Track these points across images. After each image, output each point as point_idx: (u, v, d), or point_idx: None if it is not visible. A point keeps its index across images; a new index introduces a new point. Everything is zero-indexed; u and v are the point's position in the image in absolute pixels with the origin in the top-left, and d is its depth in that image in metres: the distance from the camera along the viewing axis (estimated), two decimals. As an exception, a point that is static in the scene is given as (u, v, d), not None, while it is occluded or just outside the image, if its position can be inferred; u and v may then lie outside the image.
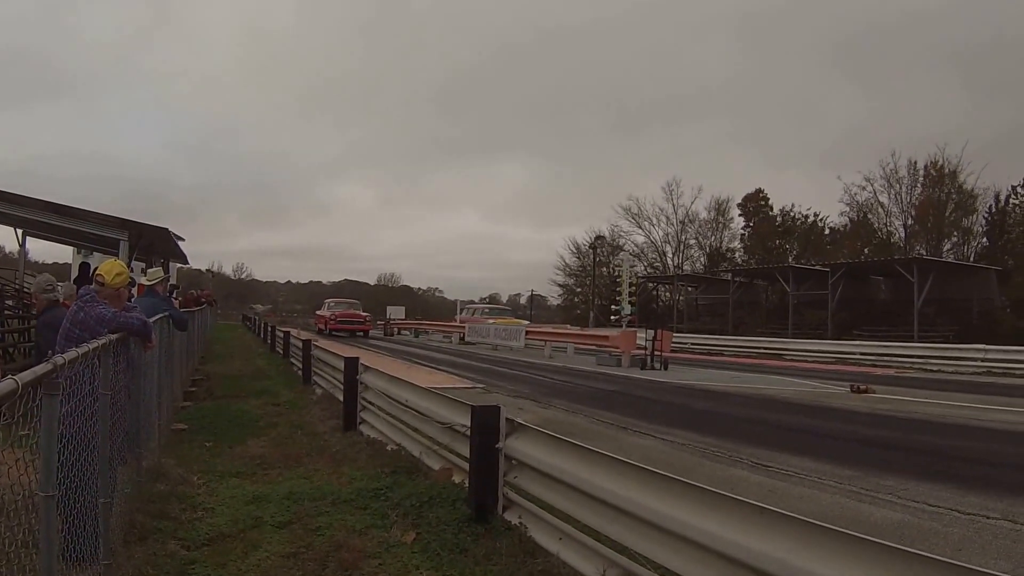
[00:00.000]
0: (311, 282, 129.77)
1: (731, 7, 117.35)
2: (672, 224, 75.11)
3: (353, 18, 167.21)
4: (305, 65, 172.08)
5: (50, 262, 65.28)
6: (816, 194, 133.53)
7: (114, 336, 5.53)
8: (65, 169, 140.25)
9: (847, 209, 63.64)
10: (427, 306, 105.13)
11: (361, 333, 48.83)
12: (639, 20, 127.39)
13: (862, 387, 19.18)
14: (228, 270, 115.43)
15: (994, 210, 54.85)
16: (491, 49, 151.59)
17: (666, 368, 25.52)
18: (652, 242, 76.61)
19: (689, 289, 65.84)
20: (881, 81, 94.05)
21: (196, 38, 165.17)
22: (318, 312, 55.76)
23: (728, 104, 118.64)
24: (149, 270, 14.57)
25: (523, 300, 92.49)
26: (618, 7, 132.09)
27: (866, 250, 58.78)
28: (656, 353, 25.93)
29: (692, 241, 75.64)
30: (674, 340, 33.73)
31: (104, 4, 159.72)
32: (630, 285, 42.18)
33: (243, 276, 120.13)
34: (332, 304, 52.76)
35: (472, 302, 72.31)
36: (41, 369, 3.51)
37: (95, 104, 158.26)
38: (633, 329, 32.52)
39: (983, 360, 29.34)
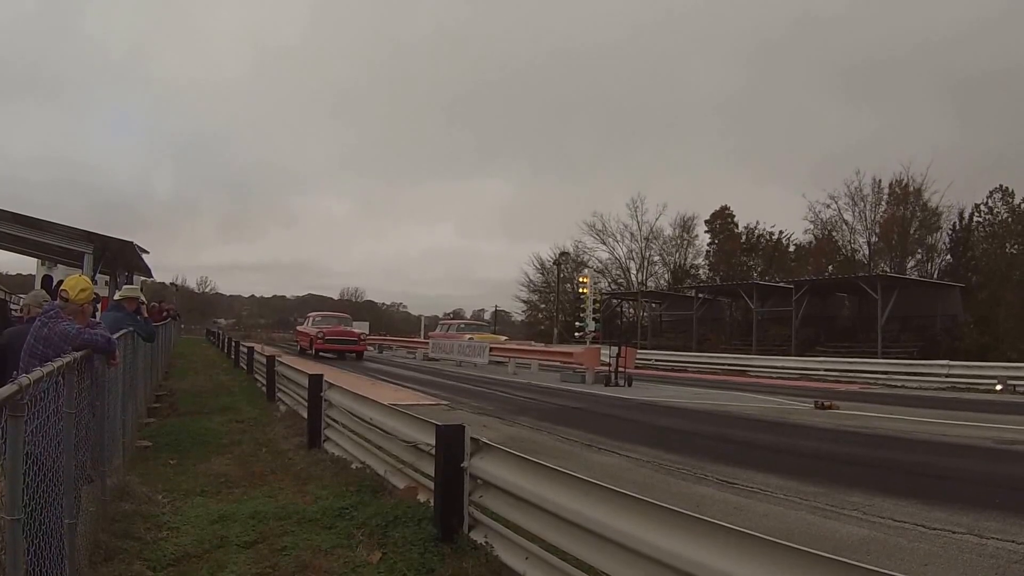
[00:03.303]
0: (275, 296, 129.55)
1: (721, 36, 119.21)
2: (636, 240, 75.49)
3: (339, 35, 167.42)
4: (288, 79, 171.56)
5: (13, 273, 64.47)
6: (781, 212, 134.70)
7: (78, 353, 5.50)
8: (37, 173, 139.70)
9: (812, 227, 64.36)
10: (391, 322, 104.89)
11: (354, 355, 40.14)
12: (633, 46, 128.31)
13: (826, 403, 19.28)
14: (192, 284, 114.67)
15: (958, 227, 55.61)
16: (485, 67, 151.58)
17: (630, 384, 25.56)
18: (616, 258, 76.87)
19: (653, 305, 66.05)
20: (852, 108, 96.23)
21: (182, 53, 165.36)
22: (300, 328, 47.23)
23: (707, 128, 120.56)
24: (125, 286, 14.50)
25: (487, 316, 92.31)
26: (614, 34, 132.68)
27: (830, 267, 59.49)
28: (620, 370, 25.94)
29: (656, 257, 76.06)
30: (638, 356, 33.85)
31: (97, 13, 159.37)
32: (594, 302, 42.28)
33: (207, 290, 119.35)
34: (318, 319, 44.02)
35: (438, 318, 72.08)
36: (6, 391, 3.49)
37: (72, 112, 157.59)
38: (597, 345, 32.58)
39: (947, 376, 29.74)
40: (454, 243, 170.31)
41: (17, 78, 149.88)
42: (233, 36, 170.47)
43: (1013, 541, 7.00)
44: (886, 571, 3.13)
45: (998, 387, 27.24)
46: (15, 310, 15.89)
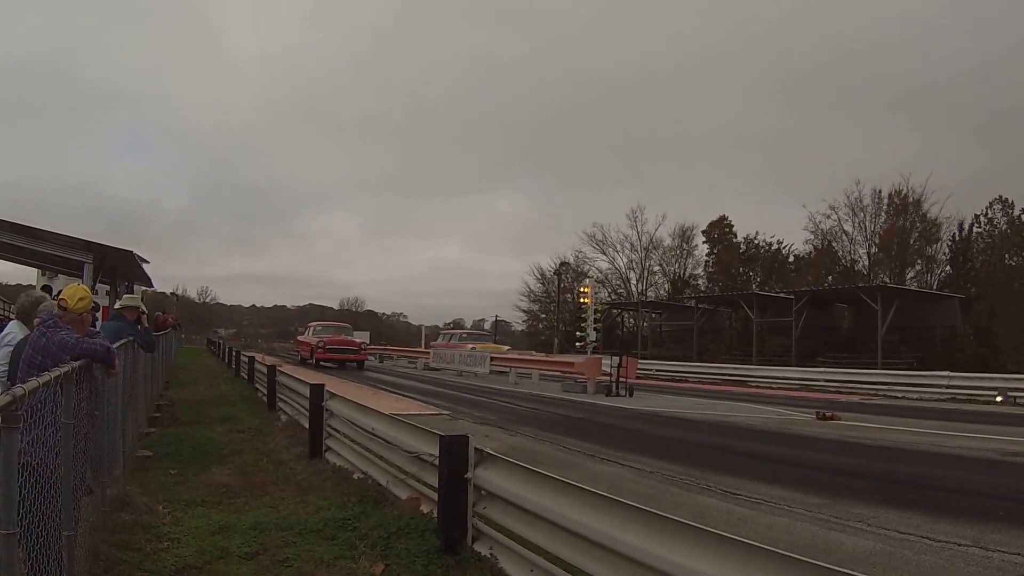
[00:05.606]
0: (275, 307, 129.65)
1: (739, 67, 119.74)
2: (636, 251, 75.61)
3: (356, 57, 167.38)
4: (304, 95, 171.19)
5: (13, 283, 64.51)
6: (780, 222, 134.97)
7: (77, 363, 5.43)
8: (50, 184, 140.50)
9: (811, 237, 64.36)
10: (392, 332, 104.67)
11: (354, 364, 40.64)
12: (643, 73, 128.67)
13: (828, 414, 19.26)
14: (193, 294, 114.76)
15: (957, 238, 55.70)
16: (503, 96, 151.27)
17: (631, 395, 25.51)
18: (616, 268, 77.01)
19: (653, 315, 66.09)
20: (855, 119, 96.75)
21: (199, 72, 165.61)
22: (300, 338, 47.26)
23: (709, 142, 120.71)
24: (125, 295, 14.46)
25: (487, 326, 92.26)
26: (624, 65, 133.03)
27: (830, 278, 59.43)
28: (621, 379, 25.88)
29: (656, 268, 76.17)
30: (639, 366, 33.76)
31: (118, 31, 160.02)
32: (595, 312, 42.20)
33: (208, 300, 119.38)
34: (319, 328, 43.99)
35: (439, 327, 72.07)
36: (0, 402, 3.43)
37: (92, 124, 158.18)
38: (598, 355, 32.50)
39: (947, 387, 29.70)
40: (455, 254, 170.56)
41: (36, 94, 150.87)
42: (250, 58, 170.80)
43: (1018, 554, 6.96)
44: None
45: (998, 399, 27.22)
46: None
